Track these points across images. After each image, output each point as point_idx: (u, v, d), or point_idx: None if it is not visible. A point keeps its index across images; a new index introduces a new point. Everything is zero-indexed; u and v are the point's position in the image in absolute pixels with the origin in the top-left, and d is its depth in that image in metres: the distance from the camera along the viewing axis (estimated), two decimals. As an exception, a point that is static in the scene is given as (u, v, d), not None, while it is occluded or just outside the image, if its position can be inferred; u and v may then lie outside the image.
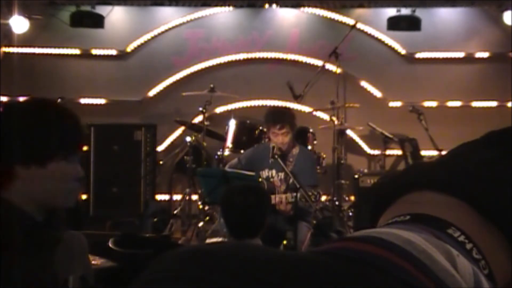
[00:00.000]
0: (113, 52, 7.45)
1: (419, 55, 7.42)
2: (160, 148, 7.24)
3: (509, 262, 0.63)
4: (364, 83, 7.43)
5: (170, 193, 6.90)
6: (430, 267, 0.54)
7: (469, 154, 0.73)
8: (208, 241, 5.07)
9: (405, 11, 7.11)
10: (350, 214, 6.15)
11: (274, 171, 4.68)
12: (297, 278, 0.50)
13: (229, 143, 5.76)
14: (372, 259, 0.53)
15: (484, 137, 0.76)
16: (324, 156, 5.96)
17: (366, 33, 7.38)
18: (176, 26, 7.45)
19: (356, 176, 6.03)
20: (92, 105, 7.40)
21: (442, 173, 0.70)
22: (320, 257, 0.54)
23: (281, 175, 4.65)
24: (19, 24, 7.07)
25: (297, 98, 5.93)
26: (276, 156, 4.44)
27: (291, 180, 4.43)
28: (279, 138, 4.65)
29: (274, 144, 4.58)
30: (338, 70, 6.52)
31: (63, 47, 7.40)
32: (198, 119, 6.74)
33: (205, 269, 0.52)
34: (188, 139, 6.11)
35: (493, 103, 7.38)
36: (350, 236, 0.60)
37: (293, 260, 0.53)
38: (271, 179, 4.69)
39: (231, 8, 7.42)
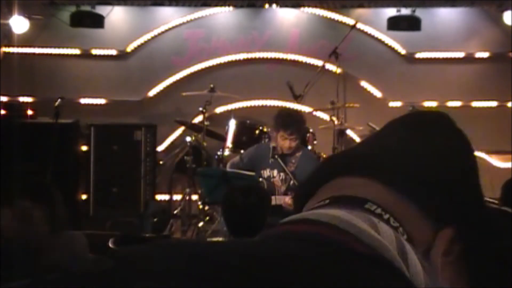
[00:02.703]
0: (113, 52, 7.45)
1: (419, 55, 7.42)
2: (160, 148, 7.23)
3: (426, 228, 0.73)
4: (364, 83, 7.43)
5: (170, 193, 6.90)
6: (360, 236, 0.62)
7: (378, 140, 0.84)
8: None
9: (405, 11, 7.11)
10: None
11: (275, 171, 4.68)
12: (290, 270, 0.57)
13: (229, 143, 5.76)
14: (318, 237, 0.63)
15: (390, 125, 0.87)
16: (324, 156, 5.96)
17: (366, 33, 7.38)
18: (176, 26, 7.45)
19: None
20: (92, 105, 7.39)
21: (356, 160, 0.80)
22: (289, 244, 0.62)
23: (282, 175, 4.65)
24: (19, 24, 7.07)
25: (297, 98, 5.93)
26: (276, 157, 4.44)
27: (291, 181, 4.43)
28: (287, 142, 4.63)
29: (274, 144, 4.58)
30: (338, 70, 6.52)
31: (63, 47, 7.40)
32: (198, 119, 6.74)
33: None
34: (188, 139, 6.11)
35: (493, 103, 7.38)
36: (291, 220, 0.69)
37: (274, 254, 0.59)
38: (272, 179, 4.69)
39: (231, 8, 7.42)
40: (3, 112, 6.86)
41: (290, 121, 4.69)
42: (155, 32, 7.42)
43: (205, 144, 6.14)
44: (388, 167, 0.77)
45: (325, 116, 6.90)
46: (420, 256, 0.68)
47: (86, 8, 7.16)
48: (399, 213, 0.72)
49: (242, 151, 5.24)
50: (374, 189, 0.74)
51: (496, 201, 3.61)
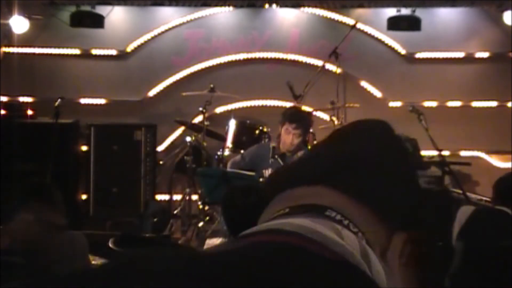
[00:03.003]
0: (113, 52, 7.45)
1: (419, 55, 7.42)
2: (160, 148, 7.23)
3: (382, 231, 0.76)
4: (364, 83, 7.43)
5: (170, 193, 6.90)
6: (326, 243, 0.65)
7: (326, 150, 0.86)
8: (208, 241, 5.07)
9: (405, 11, 7.11)
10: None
11: None
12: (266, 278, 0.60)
13: (229, 143, 5.76)
14: (288, 246, 0.65)
15: (335, 135, 0.91)
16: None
17: (366, 33, 7.38)
18: (176, 26, 7.44)
19: (356, 176, 6.01)
20: (92, 105, 7.39)
21: (309, 170, 0.82)
22: (263, 254, 0.64)
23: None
24: (19, 24, 7.07)
25: (297, 98, 5.92)
26: (276, 157, 4.44)
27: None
28: (290, 137, 4.64)
29: (274, 144, 4.57)
30: (338, 70, 6.52)
31: (63, 47, 7.40)
32: (198, 119, 6.74)
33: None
34: (188, 139, 6.11)
35: (493, 103, 7.37)
36: (255, 232, 0.72)
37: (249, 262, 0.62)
38: (273, 179, 4.69)
39: (231, 8, 7.41)
40: (3, 112, 6.86)
41: (297, 116, 4.77)
42: (155, 32, 7.42)
43: (205, 144, 6.14)
44: (342, 175, 0.80)
45: (325, 116, 6.90)
46: (379, 259, 0.71)
47: (86, 8, 7.16)
48: (357, 219, 0.75)
49: (242, 151, 5.23)
50: (331, 196, 0.77)
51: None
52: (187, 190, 6.27)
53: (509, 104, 7.31)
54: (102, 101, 7.43)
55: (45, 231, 2.76)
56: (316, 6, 7.40)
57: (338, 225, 0.72)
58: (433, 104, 7.34)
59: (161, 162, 7.00)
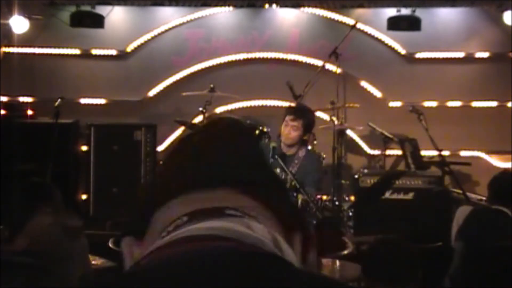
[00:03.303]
0: (113, 52, 7.45)
1: (419, 55, 7.41)
2: (160, 148, 7.23)
3: (281, 233, 0.78)
4: (364, 83, 7.43)
5: (170, 193, 6.88)
6: (241, 238, 0.69)
7: (208, 153, 0.88)
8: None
9: (405, 11, 7.11)
10: (350, 214, 6.15)
11: (277, 170, 4.67)
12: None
13: (229, 143, 5.75)
14: (212, 249, 0.68)
15: (207, 137, 0.92)
16: (324, 156, 5.95)
17: (366, 33, 7.37)
18: (176, 26, 7.44)
19: (356, 176, 6.03)
20: (92, 105, 7.40)
21: (203, 173, 0.84)
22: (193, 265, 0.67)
23: (284, 174, 4.64)
24: (19, 24, 7.07)
25: (297, 98, 5.93)
26: (276, 157, 4.43)
27: (293, 182, 4.42)
28: (287, 129, 4.65)
29: (274, 144, 4.57)
30: (338, 70, 6.53)
31: (63, 47, 7.40)
32: (198, 119, 6.74)
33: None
34: (188, 139, 6.10)
35: (493, 103, 7.37)
36: (168, 243, 0.73)
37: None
38: (274, 178, 4.68)
39: (231, 8, 7.41)
40: (3, 112, 6.87)
41: (296, 109, 4.80)
42: (155, 32, 7.42)
43: (205, 144, 6.12)
44: (229, 176, 0.82)
45: (325, 116, 6.90)
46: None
47: (86, 8, 7.16)
48: (255, 212, 0.78)
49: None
50: (227, 196, 0.79)
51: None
52: (187, 190, 6.26)
53: (509, 104, 7.31)
54: (102, 101, 7.43)
55: (63, 234, 2.77)
56: (316, 6, 7.40)
57: (245, 219, 0.75)
58: (433, 104, 7.34)
59: (161, 162, 6.99)
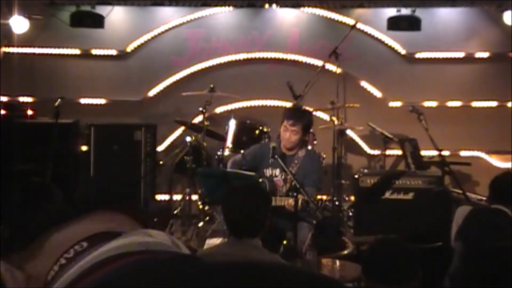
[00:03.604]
0: (113, 52, 7.45)
1: (419, 55, 7.42)
2: (160, 148, 7.24)
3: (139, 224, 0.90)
4: (364, 83, 7.43)
5: (170, 193, 6.90)
6: (149, 247, 0.78)
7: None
8: (208, 241, 5.07)
9: (405, 11, 7.11)
10: (350, 214, 6.15)
11: (278, 170, 4.67)
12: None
13: (229, 143, 5.76)
14: (131, 265, 0.74)
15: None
16: (324, 156, 5.96)
17: (366, 33, 7.37)
18: (176, 26, 7.44)
19: (356, 176, 6.03)
20: (92, 105, 7.40)
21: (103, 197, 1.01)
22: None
23: (284, 174, 4.64)
24: (19, 24, 7.07)
25: (297, 98, 5.93)
26: (276, 157, 4.43)
27: (293, 182, 4.42)
28: (287, 134, 4.64)
29: (274, 144, 4.57)
30: (338, 70, 6.53)
31: (63, 47, 7.40)
32: (198, 119, 6.74)
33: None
34: (188, 139, 6.11)
35: (493, 103, 7.38)
36: (87, 270, 0.78)
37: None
38: (274, 178, 4.68)
39: (231, 8, 7.41)
40: (3, 112, 6.87)
41: (294, 112, 4.77)
42: (155, 32, 7.42)
43: (205, 144, 6.13)
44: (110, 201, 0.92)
45: (325, 116, 6.90)
46: None
47: (86, 8, 7.16)
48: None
49: (242, 151, 5.23)
50: (114, 219, 0.89)
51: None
52: (187, 190, 6.27)
53: (509, 104, 7.31)
54: (102, 101, 7.43)
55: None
56: (316, 6, 7.40)
57: (140, 230, 0.85)
58: (433, 104, 7.34)
59: (161, 162, 7.00)
